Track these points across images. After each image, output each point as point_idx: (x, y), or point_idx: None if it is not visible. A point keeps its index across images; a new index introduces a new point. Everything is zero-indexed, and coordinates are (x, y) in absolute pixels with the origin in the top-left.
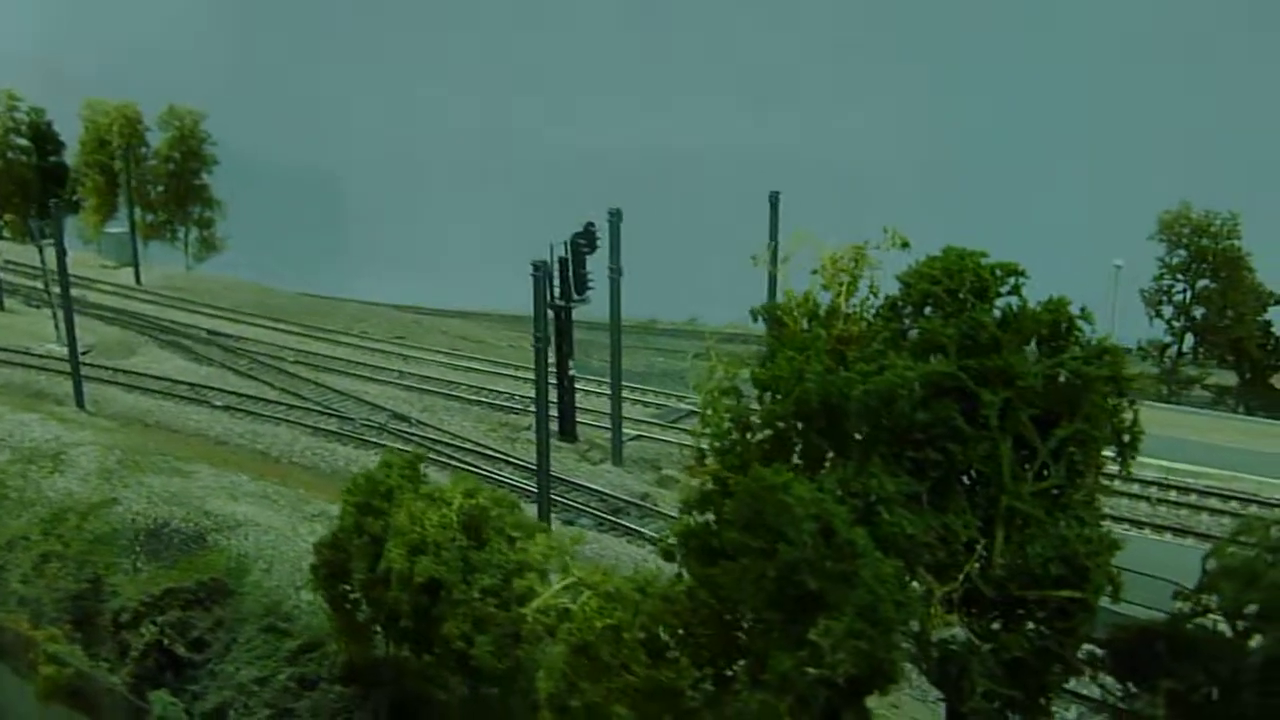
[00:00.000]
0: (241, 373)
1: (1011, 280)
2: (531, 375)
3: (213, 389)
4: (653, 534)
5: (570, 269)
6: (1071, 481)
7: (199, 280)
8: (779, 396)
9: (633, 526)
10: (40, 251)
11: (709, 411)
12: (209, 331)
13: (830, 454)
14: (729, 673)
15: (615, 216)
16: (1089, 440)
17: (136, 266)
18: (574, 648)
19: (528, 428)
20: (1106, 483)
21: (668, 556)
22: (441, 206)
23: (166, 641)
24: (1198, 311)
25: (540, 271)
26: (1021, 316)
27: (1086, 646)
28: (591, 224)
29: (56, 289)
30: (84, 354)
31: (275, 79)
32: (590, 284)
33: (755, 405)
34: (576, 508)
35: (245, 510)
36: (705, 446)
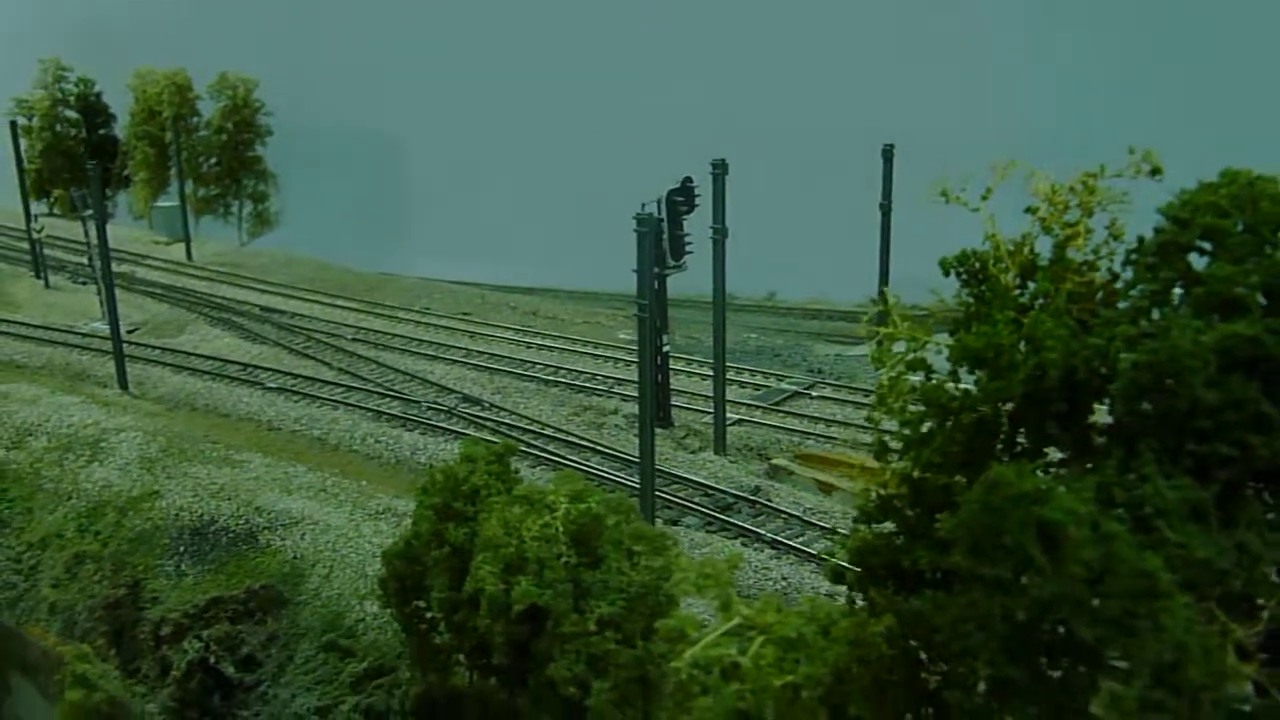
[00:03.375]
0: (297, 351)
1: None
2: (611, 354)
3: (265, 369)
4: (772, 535)
5: (666, 230)
6: None
7: (253, 255)
8: (997, 372)
9: (747, 526)
10: (84, 224)
11: (891, 392)
12: (261, 308)
13: (1069, 450)
14: None
15: (720, 169)
16: None
17: (188, 241)
18: (741, 712)
19: (614, 411)
20: None
21: (836, 579)
22: (510, 178)
23: (213, 659)
24: None
25: (645, 226)
26: None
27: None
28: (690, 179)
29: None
30: (130, 332)
31: (333, 43)
32: (689, 248)
33: (951, 385)
34: (679, 503)
35: (301, 505)
36: (888, 438)
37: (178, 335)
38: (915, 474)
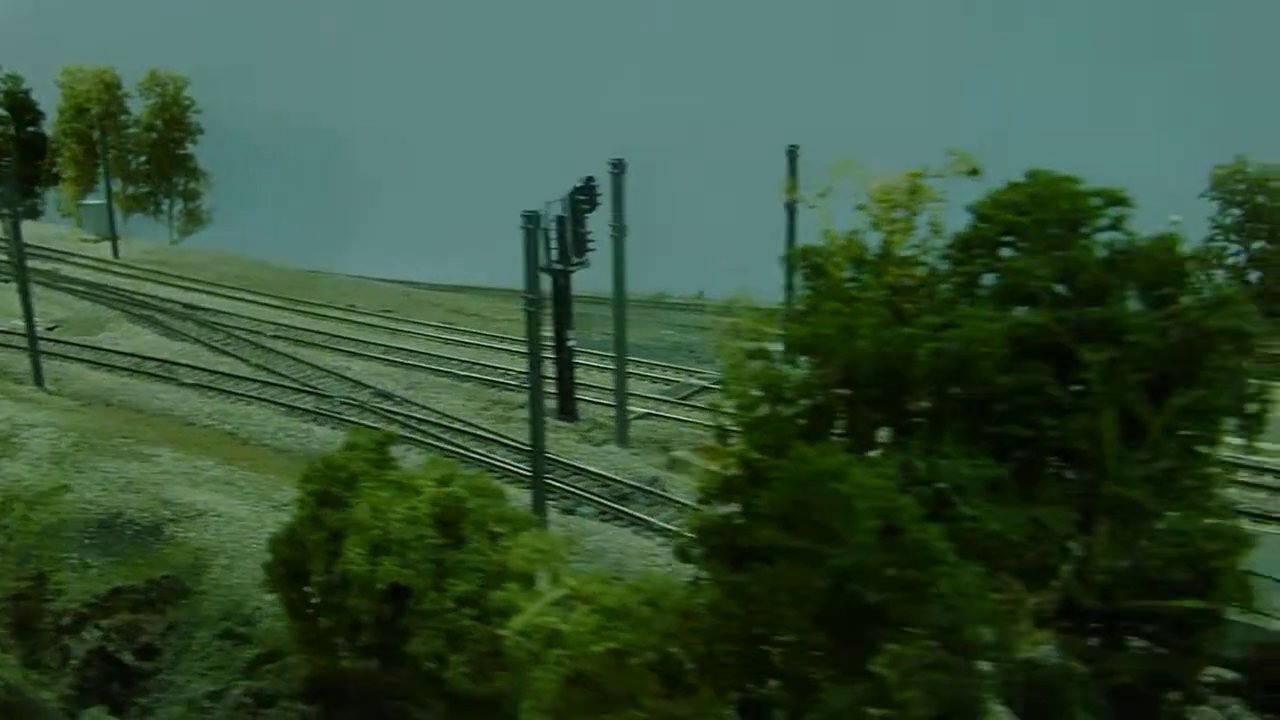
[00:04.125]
0: (216, 348)
1: (1114, 211)
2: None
3: (183, 365)
4: (663, 524)
5: (569, 228)
6: (1187, 463)
7: (181, 253)
8: (821, 360)
9: (641, 515)
10: (1, 221)
11: (733, 379)
12: (185, 305)
13: (886, 431)
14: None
15: (618, 168)
16: (1210, 412)
17: (114, 239)
18: (568, 678)
19: (522, 405)
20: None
21: (683, 557)
22: (446, 176)
23: (112, 648)
24: (1253, 276)
25: (532, 223)
26: (1132, 256)
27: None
28: (592, 179)
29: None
30: (50, 329)
31: (271, 41)
32: (591, 245)
33: (790, 371)
34: (577, 494)
35: (207, 498)
36: (729, 422)
37: (98, 333)
38: (752, 456)
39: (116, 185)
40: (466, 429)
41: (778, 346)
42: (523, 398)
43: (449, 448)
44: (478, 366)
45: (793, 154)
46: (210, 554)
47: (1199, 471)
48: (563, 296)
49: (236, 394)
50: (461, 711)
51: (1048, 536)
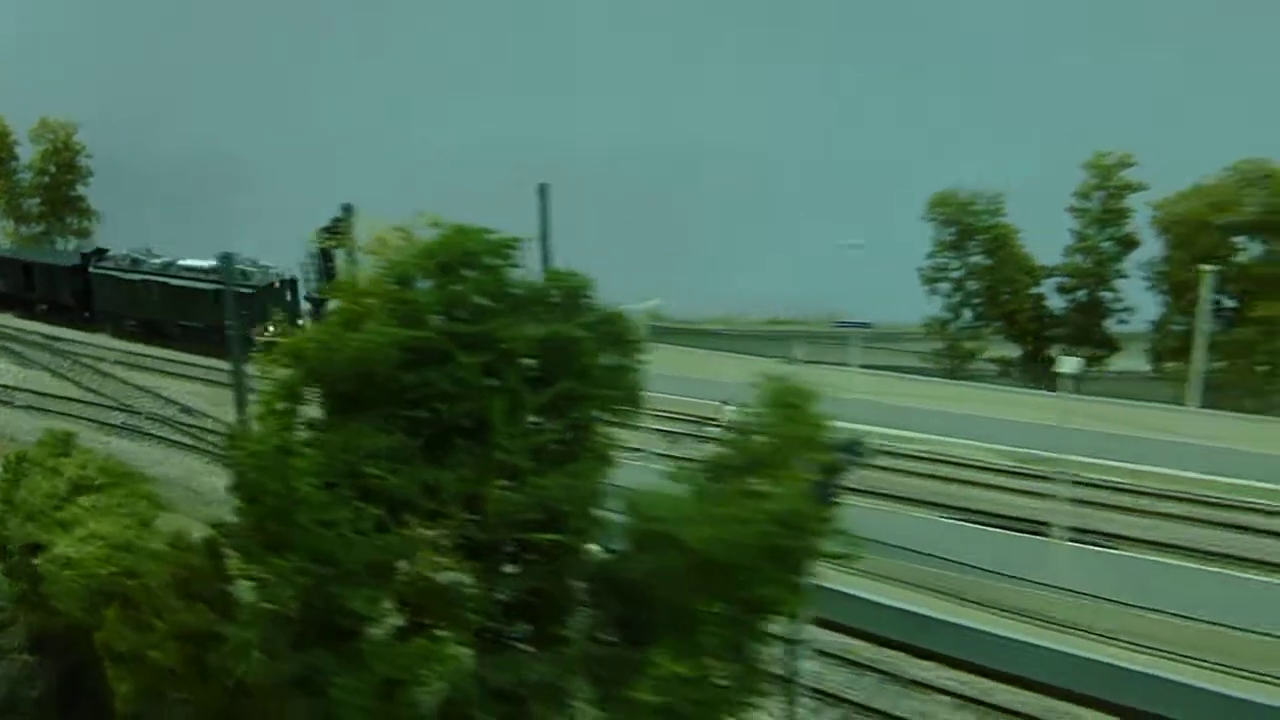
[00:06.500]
0: (59, 374)
1: (506, 253)
2: None
3: (22, 390)
4: None
5: (324, 261)
6: (576, 436)
7: None
8: (297, 362)
9: None
10: None
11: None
12: (46, 336)
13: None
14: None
15: (346, 212)
16: (585, 397)
17: None
18: (121, 600)
19: None
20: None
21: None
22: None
23: None
24: (972, 286)
25: (225, 264)
26: (513, 287)
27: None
28: (339, 217)
29: None
30: None
31: (167, 86)
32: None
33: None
34: None
35: None
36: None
37: None
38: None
39: (10, 225)
40: None
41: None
42: None
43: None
44: None
45: (542, 191)
46: None
47: (585, 443)
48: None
49: (59, 413)
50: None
51: (445, 490)
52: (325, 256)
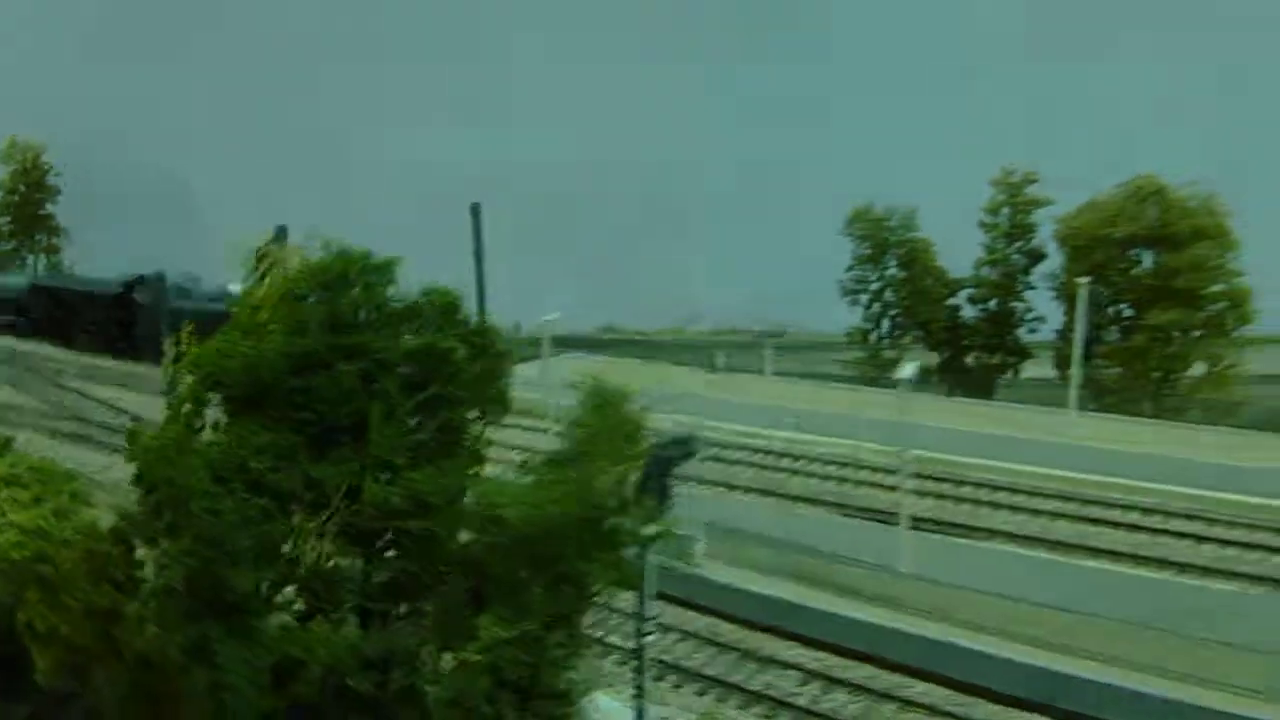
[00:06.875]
0: (18, 387)
1: (385, 273)
2: None
3: None
4: None
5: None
6: (448, 436)
7: None
8: (198, 368)
9: None
10: None
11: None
12: (15, 351)
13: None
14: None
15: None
16: (456, 401)
17: None
18: (38, 582)
19: None
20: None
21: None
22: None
23: None
24: (889, 298)
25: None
26: (391, 302)
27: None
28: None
29: None
30: None
31: (137, 107)
32: None
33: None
34: None
35: None
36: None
37: None
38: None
39: None
40: None
41: None
42: None
43: None
44: None
45: (475, 211)
46: None
47: (457, 442)
48: None
49: (12, 422)
50: None
51: (328, 484)
52: (261, 275)
